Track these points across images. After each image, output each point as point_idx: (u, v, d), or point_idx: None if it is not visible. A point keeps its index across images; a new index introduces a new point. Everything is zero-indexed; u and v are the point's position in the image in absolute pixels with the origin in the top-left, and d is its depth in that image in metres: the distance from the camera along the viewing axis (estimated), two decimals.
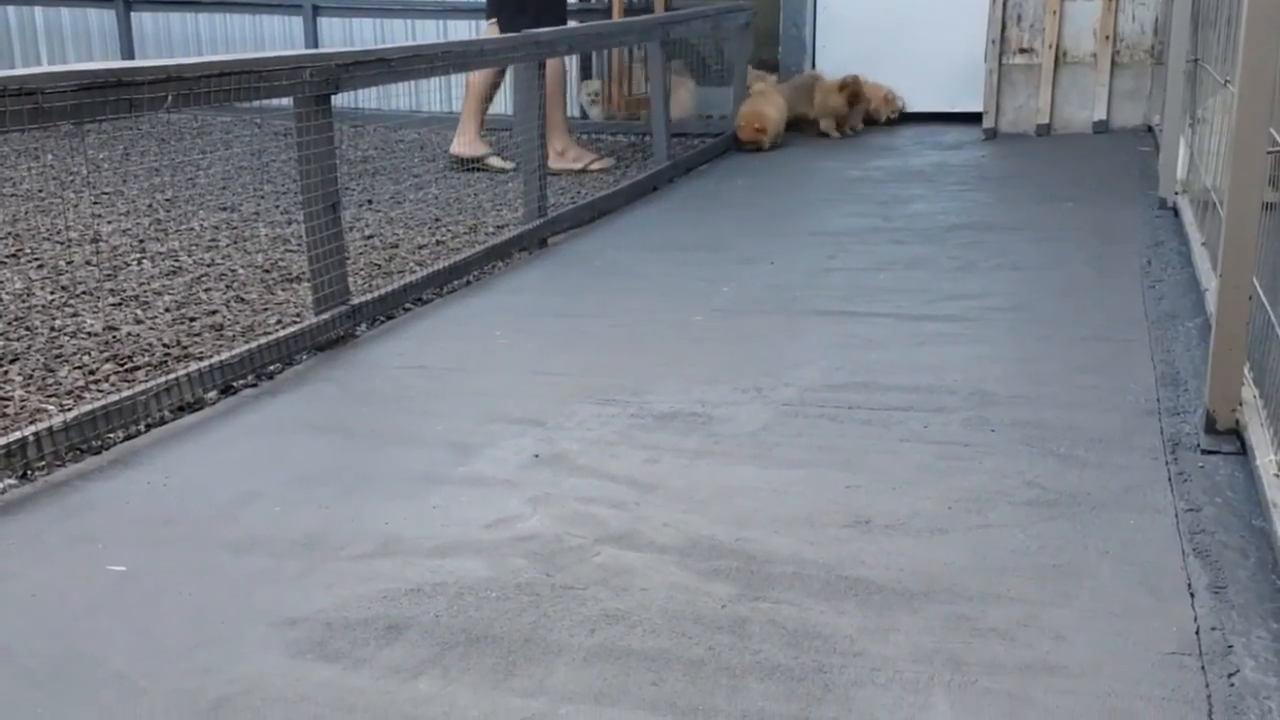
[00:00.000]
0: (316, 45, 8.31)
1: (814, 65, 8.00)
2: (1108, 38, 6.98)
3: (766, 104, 6.81)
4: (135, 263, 4.38)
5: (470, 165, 6.11)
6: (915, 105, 7.62)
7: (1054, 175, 5.75)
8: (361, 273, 4.20)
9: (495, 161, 6.21)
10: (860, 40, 7.75)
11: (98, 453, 2.69)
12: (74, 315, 3.73)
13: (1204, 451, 2.53)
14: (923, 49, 7.50)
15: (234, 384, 3.11)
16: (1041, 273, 4.07)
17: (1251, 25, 2.37)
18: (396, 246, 4.65)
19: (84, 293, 3.98)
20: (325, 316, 3.41)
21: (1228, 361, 2.52)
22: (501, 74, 6.12)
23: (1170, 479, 2.42)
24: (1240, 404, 2.54)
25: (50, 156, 6.67)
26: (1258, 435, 2.41)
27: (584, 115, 7.84)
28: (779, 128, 6.80)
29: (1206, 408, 2.57)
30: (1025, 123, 7.21)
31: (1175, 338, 3.30)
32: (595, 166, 6.17)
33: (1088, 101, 7.07)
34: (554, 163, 5.74)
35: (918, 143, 7.00)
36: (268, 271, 4.28)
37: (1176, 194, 4.83)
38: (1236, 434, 2.53)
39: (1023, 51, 7.18)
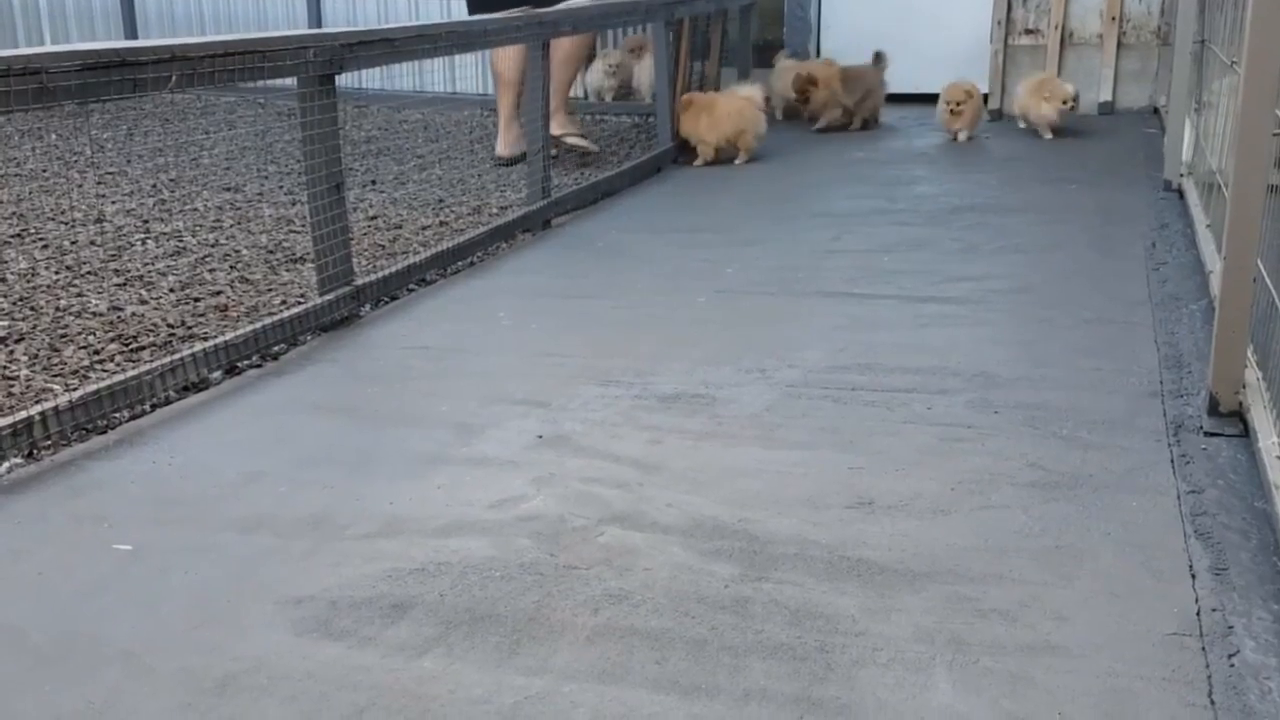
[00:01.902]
0: (320, 25, 8.30)
1: (818, 46, 7.98)
2: (1114, 19, 6.95)
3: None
4: (139, 243, 4.38)
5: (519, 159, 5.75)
6: (919, 86, 7.58)
7: (1058, 157, 5.74)
8: (365, 254, 4.21)
9: (576, 141, 5.99)
10: (865, 20, 7.73)
11: (103, 432, 2.70)
12: (79, 295, 3.74)
13: (1206, 434, 2.53)
14: (928, 29, 7.48)
15: (239, 364, 3.12)
16: (1045, 255, 4.06)
17: (1258, 6, 2.36)
18: (400, 227, 4.65)
19: (89, 273, 3.99)
20: (329, 297, 3.41)
21: (1231, 344, 2.52)
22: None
23: (1173, 461, 2.42)
24: (1243, 386, 2.54)
25: (54, 136, 6.67)
26: (1260, 417, 2.41)
27: (584, 96, 7.83)
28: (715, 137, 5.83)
29: (1210, 390, 2.57)
30: None
31: (1179, 320, 3.30)
32: (571, 140, 5.87)
33: (1093, 83, 7.05)
34: (559, 128, 5.69)
35: (921, 124, 6.98)
36: (272, 252, 4.28)
37: (1182, 176, 4.82)
38: (1239, 416, 2.54)
39: (1028, 32, 7.16)
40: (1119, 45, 6.98)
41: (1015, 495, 2.29)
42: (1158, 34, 6.90)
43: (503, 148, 5.93)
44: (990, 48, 7.19)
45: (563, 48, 5.54)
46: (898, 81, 7.18)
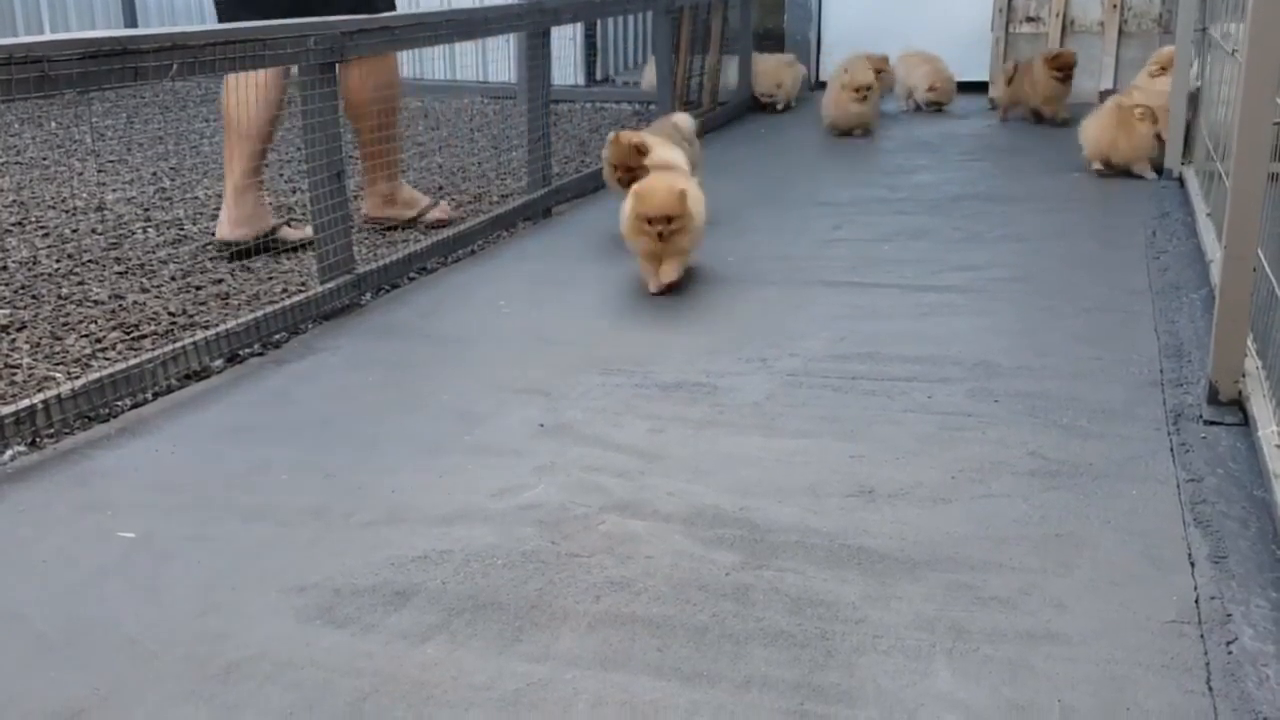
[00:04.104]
0: None
1: (819, 35, 7.97)
2: (1115, 6, 6.94)
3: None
4: (140, 231, 4.38)
5: (250, 245, 4.02)
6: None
7: (1060, 145, 5.73)
8: (366, 242, 4.21)
9: (291, 233, 4.19)
10: (866, 8, 7.72)
11: (106, 421, 2.71)
12: (80, 284, 3.74)
13: (1206, 422, 2.54)
14: (929, 17, 7.47)
15: (240, 352, 3.12)
16: (1046, 244, 4.07)
17: None
18: None
19: (90, 261, 3.99)
20: (330, 285, 3.42)
21: (1231, 333, 2.52)
22: (280, 105, 4.11)
23: (1172, 450, 2.43)
24: (1243, 375, 2.55)
25: (54, 124, 6.66)
26: (1260, 406, 2.42)
27: (591, 81, 7.80)
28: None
29: (1209, 379, 2.58)
30: None
31: (1179, 309, 3.30)
32: (432, 216, 4.47)
33: (1095, 71, 7.04)
34: (378, 210, 4.46)
35: (922, 113, 6.98)
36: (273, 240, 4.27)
37: (1182, 164, 4.82)
38: (1239, 405, 2.54)
39: (1029, 20, 7.14)
40: (1120, 33, 6.97)
41: (1015, 484, 2.30)
42: (1159, 22, 6.89)
43: (228, 227, 4.04)
44: (991, 36, 7.18)
45: (368, 94, 4.17)
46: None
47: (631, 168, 4.05)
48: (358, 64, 3.99)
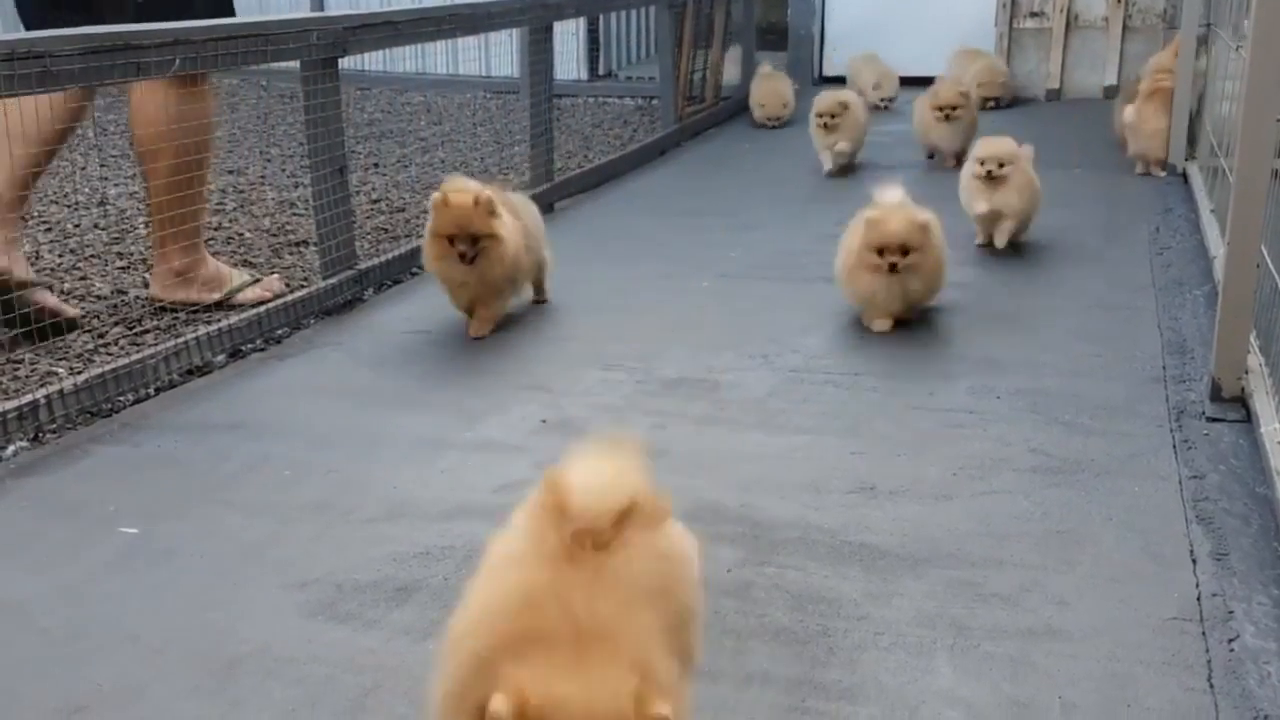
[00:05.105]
0: (322, 8, 8.27)
1: (822, 28, 7.95)
2: (1120, 2, 6.93)
3: None
4: (143, 226, 4.38)
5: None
6: (924, 69, 7.57)
7: (1063, 141, 5.72)
8: (368, 237, 4.21)
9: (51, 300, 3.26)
10: (870, 3, 7.70)
11: (108, 416, 2.71)
12: (83, 279, 3.74)
13: (1209, 419, 2.54)
14: (932, 12, 7.45)
15: (242, 348, 3.12)
16: (1049, 240, 4.06)
17: None
18: (403, 210, 4.65)
19: (92, 256, 3.99)
20: (332, 281, 3.42)
21: (1234, 329, 2.52)
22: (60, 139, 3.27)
23: (1175, 446, 2.43)
24: (1246, 372, 2.55)
25: None
26: (1263, 403, 2.41)
27: (594, 76, 7.80)
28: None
29: (1212, 375, 2.58)
30: (1035, 87, 7.18)
31: (1182, 305, 3.30)
32: (250, 295, 3.47)
33: (1099, 66, 7.03)
34: (168, 289, 3.45)
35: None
36: (275, 235, 4.28)
37: (1186, 160, 4.82)
38: (1242, 402, 2.54)
39: (1033, 15, 7.14)
40: (1125, 28, 6.96)
41: (1017, 480, 2.30)
42: (1163, 17, 6.88)
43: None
44: (995, 31, 7.17)
45: (165, 128, 3.23)
46: (904, 65, 7.15)
47: (478, 236, 3.02)
48: (163, 87, 3.14)
